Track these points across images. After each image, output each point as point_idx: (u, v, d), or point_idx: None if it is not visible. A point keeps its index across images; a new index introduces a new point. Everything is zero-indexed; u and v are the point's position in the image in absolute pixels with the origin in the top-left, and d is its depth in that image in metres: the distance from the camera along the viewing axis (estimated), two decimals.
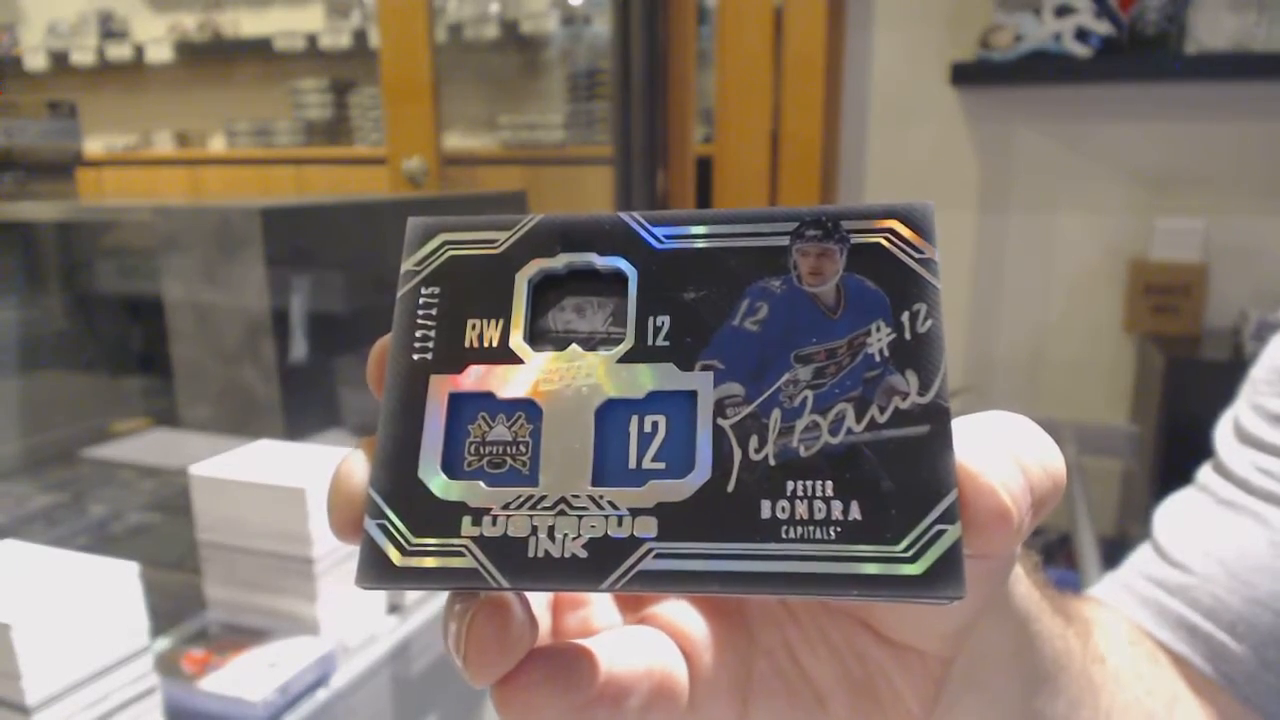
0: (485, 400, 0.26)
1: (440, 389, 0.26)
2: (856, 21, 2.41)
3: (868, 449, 0.23)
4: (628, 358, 0.25)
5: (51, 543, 0.96)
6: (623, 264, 0.26)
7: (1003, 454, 0.24)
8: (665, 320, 0.26)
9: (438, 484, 0.25)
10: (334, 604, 0.89)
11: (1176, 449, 1.96)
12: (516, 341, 0.26)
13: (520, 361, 0.26)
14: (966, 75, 2.27)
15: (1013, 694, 0.35)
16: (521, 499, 0.24)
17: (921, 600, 0.22)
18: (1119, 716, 0.46)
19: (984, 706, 0.34)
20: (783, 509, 0.23)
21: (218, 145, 4.08)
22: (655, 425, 0.25)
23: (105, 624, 0.68)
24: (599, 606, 0.34)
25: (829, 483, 0.23)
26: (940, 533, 0.22)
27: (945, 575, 0.22)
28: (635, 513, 0.24)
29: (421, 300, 0.27)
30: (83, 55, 4.00)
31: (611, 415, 0.25)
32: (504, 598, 0.25)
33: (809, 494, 0.23)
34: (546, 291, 0.27)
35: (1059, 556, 2.05)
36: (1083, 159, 2.32)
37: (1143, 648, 0.57)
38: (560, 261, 0.27)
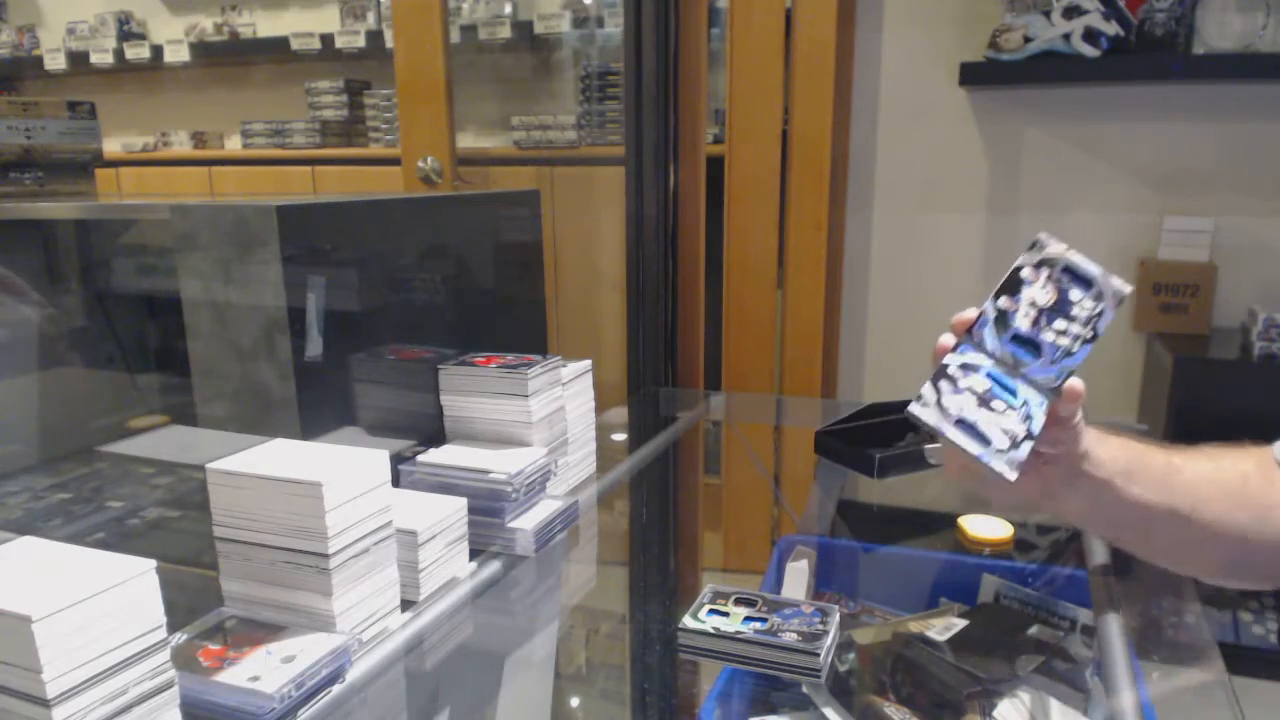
0: None
1: None
2: (866, 22, 2.42)
3: None
4: None
5: (69, 538, 0.96)
6: None
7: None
8: None
9: None
10: (349, 599, 0.89)
11: None
12: None
13: None
14: (976, 75, 2.27)
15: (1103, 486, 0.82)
16: None
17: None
18: (1185, 489, 0.82)
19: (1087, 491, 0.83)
20: None
21: (234, 145, 4.10)
22: None
23: (123, 619, 0.68)
24: None
25: None
26: None
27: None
28: None
29: None
30: (101, 56, 4.03)
31: None
32: None
33: None
34: None
35: (1068, 554, 2.05)
36: (1091, 159, 2.32)
37: (1225, 454, 0.86)
38: None
